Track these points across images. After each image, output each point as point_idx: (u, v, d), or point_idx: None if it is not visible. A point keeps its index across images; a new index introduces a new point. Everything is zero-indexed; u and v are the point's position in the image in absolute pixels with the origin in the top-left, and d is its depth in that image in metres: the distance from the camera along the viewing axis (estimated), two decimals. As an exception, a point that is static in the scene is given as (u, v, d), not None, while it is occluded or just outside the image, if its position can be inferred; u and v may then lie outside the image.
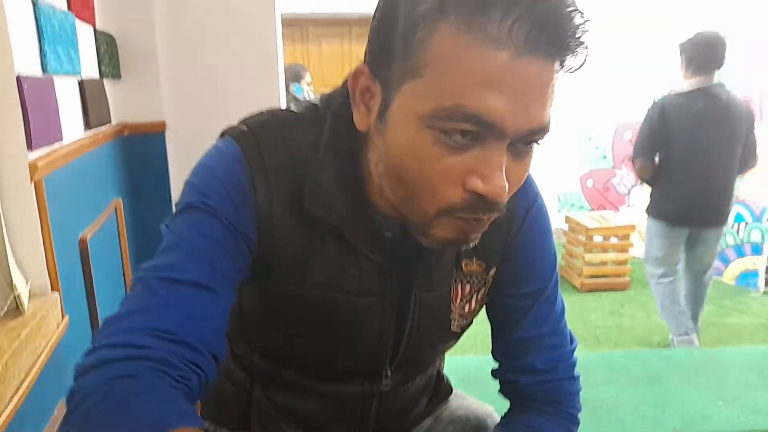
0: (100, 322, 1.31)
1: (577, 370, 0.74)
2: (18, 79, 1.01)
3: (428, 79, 0.47)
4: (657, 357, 2.56)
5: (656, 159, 2.56)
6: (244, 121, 0.62)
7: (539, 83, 0.46)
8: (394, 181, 0.53)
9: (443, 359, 0.89)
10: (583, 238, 3.76)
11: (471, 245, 0.55)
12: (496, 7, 0.43)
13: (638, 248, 4.28)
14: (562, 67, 0.47)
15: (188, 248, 0.55)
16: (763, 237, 3.65)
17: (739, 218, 3.77)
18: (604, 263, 3.71)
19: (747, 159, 2.52)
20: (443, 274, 0.66)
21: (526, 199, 0.67)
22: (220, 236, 0.56)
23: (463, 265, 0.66)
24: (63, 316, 1.10)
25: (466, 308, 0.69)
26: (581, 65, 0.47)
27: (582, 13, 0.45)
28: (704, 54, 2.40)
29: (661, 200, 2.59)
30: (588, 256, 3.71)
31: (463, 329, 0.71)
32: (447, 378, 0.87)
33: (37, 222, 1.05)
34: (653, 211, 2.63)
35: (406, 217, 0.54)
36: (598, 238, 3.70)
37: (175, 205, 0.60)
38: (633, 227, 3.73)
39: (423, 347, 0.69)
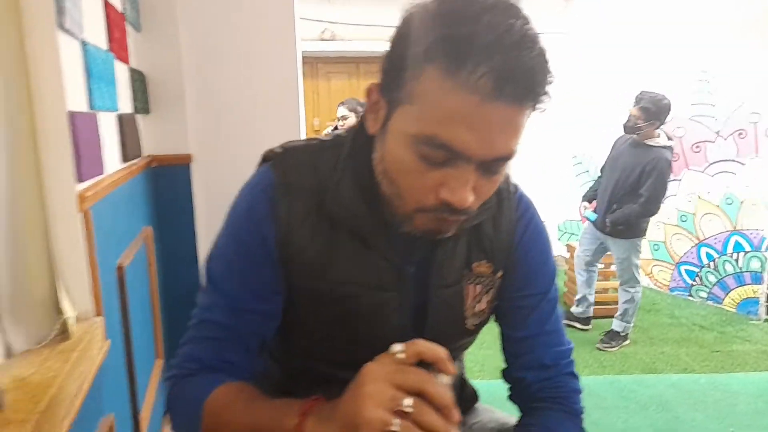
0: (133, 346, 1.35)
1: (577, 371, 0.83)
2: (69, 114, 1.08)
3: (416, 108, 0.58)
4: (664, 383, 2.59)
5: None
6: (283, 145, 0.75)
7: (503, 123, 0.56)
8: (387, 180, 0.64)
9: (464, 366, 0.95)
10: (585, 266, 3.80)
11: (447, 236, 0.66)
12: (470, 59, 0.53)
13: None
14: (529, 109, 0.57)
15: (218, 292, 0.73)
16: (762, 265, 3.72)
17: (738, 247, 3.85)
18: (605, 290, 3.75)
19: None
20: (456, 271, 0.74)
21: (525, 217, 0.79)
22: (242, 275, 0.71)
23: (474, 267, 0.75)
24: (105, 340, 1.14)
25: (477, 307, 0.77)
26: (545, 109, 0.59)
27: (548, 68, 0.56)
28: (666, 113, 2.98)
29: (643, 222, 3.13)
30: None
31: (477, 327, 0.79)
32: (471, 384, 0.93)
33: (84, 250, 1.10)
34: (641, 232, 3.15)
35: (394, 208, 0.65)
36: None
37: (215, 241, 0.76)
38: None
39: (442, 342, 0.77)
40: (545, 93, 0.56)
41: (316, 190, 0.70)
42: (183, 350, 0.75)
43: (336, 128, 3.51)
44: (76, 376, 0.97)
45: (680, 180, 4.08)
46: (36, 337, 0.99)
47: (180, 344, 0.76)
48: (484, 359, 2.59)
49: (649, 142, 3.01)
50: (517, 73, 0.53)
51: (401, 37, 0.60)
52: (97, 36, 1.33)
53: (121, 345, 1.30)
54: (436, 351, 0.55)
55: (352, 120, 3.38)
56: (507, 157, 0.59)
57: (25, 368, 0.91)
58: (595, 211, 3.30)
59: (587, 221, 3.36)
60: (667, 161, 2.97)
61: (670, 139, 3.05)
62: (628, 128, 3.04)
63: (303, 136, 1.97)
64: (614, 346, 3.28)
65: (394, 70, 0.60)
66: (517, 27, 0.54)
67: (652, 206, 3.00)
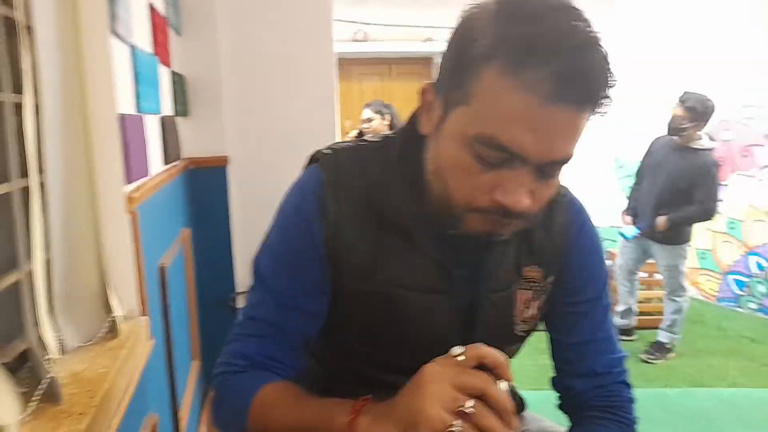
0: (173, 346, 1.37)
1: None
2: (120, 117, 1.10)
3: (473, 108, 0.57)
4: (712, 397, 2.49)
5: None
6: (331, 146, 0.75)
7: (563, 126, 0.55)
8: (439, 180, 0.63)
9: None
10: (627, 275, 3.70)
11: (503, 238, 0.66)
12: (532, 60, 0.52)
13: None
14: (589, 112, 0.56)
15: (266, 290, 0.74)
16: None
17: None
18: (649, 300, 3.62)
19: None
20: (506, 276, 0.73)
21: (577, 221, 0.77)
22: (290, 272, 0.72)
23: (525, 272, 0.74)
24: (149, 340, 1.16)
25: (527, 314, 0.76)
26: (606, 112, 0.57)
27: (610, 72, 0.54)
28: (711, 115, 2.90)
29: (690, 228, 3.08)
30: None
31: (526, 334, 0.78)
32: (518, 393, 0.92)
33: (131, 250, 1.12)
34: (688, 236, 3.08)
35: (445, 208, 0.64)
36: (642, 275, 3.60)
37: (263, 239, 0.76)
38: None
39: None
40: (606, 97, 0.55)
41: (364, 191, 0.71)
42: (230, 348, 0.75)
43: (360, 132, 3.50)
44: (125, 373, 0.99)
45: (728, 185, 3.91)
46: (86, 334, 1.00)
47: (227, 342, 0.77)
48: (525, 369, 2.53)
49: (693, 145, 2.94)
50: (579, 76, 0.52)
51: (460, 38, 0.59)
52: (144, 40, 1.36)
53: (162, 345, 1.32)
54: (498, 356, 0.55)
55: (377, 122, 3.36)
56: (564, 160, 0.58)
57: (78, 364, 0.93)
58: (635, 223, 3.18)
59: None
60: (716, 164, 2.94)
61: (712, 140, 3.01)
62: (673, 129, 2.96)
63: (338, 139, 1.98)
64: (659, 358, 3.16)
65: (452, 70, 0.60)
66: (580, 29, 0.53)
67: (711, 210, 2.95)
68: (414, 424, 0.51)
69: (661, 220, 2.98)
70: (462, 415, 0.51)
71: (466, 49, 0.57)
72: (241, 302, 1.91)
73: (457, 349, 0.56)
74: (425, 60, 4.97)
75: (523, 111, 0.53)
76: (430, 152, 0.66)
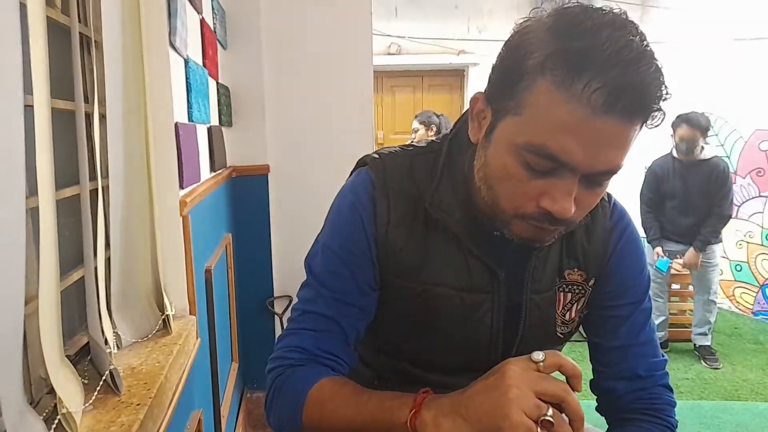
0: (217, 345, 1.41)
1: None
2: (176, 125, 1.16)
3: (525, 118, 0.59)
4: (750, 411, 2.42)
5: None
6: (378, 151, 0.79)
7: (611, 138, 0.56)
8: (487, 186, 0.66)
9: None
10: (662, 286, 3.64)
11: (546, 244, 0.69)
12: (584, 74, 0.54)
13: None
14: (641, 125, 0.58)
15: (321, 285, 0.76)
16: None
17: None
18: (683, 312, 3.55)
19: None
20: (548, 278, 0.75)
21: (619, 226, 0.79)
22: (344, 268, 0.74)
23: (566, 275, 0.76)
24: (197, 338, 1.21)
25: (567, 316, 0.77)
26: (659, 124, 0.58)
27: (663, 85, 0.55)
28: None
29: None
30: (667, 305, 3.60)
31: (565, 336, 0.79)
32: None
33: (183, 252, 1.18)
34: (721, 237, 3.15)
35: (492, 213, 0.67)
36: (675, 286, 3.55)
37: (316, 239, 0.79)
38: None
39: (533, 348, 0.77)
40: (658, 109, 0.57)
41: (412, 194, 0.74)
42: (283, 342, 0.77)
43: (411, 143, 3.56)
44: (177, 368, 1.04)
45: (767, 197, 3.83)
46: (141, 330, 1.05)
47: (279, 338, 0.79)
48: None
49: (703, 156, 3.03)
50: (630, 90, 0.53)
51: (514, 50, 0.61)
52: (196, 53, 1.43)
53: (206, 344, 1.37)
54: (575, 366, 0.57)
55: (421, 132, 3.41)
56: (612, 171, 0.59)
57: (134, 358, 0.98)
58: (664, 252, 3.19)
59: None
60: (728, 167, 3.05)
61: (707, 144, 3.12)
62: (688, 151, 3.01)
63: (374, 146, 2.02)
64: (719, 361, 3.18)
65: (504, 81, 0.61)
66: (636, 43, 0.55)
67: (730, 213, 3.04)
68: (498, 427, 0.52)
69: (693, 255, 3.08)
70: (542, 422, 0.52)
71: (520, 60, 0.59)
72: (278, 307, 1.96)
73: (538, 355, 0.57)
74: (457, 72, 5.01)
75: (573, 122, 0.55)
76: (478, 159, 0.68)
